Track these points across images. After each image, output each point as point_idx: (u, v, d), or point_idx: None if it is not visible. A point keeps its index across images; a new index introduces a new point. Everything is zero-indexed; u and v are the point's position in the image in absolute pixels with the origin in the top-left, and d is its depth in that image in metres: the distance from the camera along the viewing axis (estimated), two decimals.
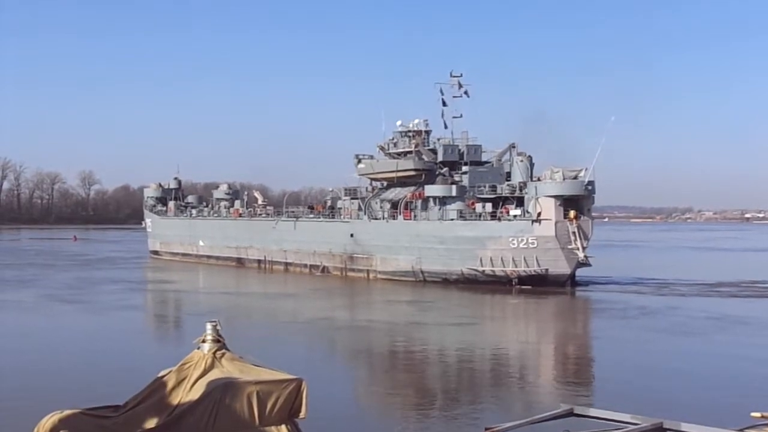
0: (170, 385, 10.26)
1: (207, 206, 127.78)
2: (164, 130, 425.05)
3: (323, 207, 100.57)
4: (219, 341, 10.52)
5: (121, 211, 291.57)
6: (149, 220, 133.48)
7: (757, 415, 10.11)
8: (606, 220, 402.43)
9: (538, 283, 72.92)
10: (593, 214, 78.44)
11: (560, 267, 73.51)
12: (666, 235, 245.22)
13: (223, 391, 10.00)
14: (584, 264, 74.23)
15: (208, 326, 10.49)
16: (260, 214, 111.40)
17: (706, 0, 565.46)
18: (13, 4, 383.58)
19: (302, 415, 10.41)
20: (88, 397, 22.49)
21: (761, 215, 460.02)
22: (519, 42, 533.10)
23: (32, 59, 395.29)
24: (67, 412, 9.71)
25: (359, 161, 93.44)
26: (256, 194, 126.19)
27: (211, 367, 10.31)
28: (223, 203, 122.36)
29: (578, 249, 72.63)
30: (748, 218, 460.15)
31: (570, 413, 11.33)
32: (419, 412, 29.05)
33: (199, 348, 10.44)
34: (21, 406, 26.11)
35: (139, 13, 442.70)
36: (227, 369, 10.31)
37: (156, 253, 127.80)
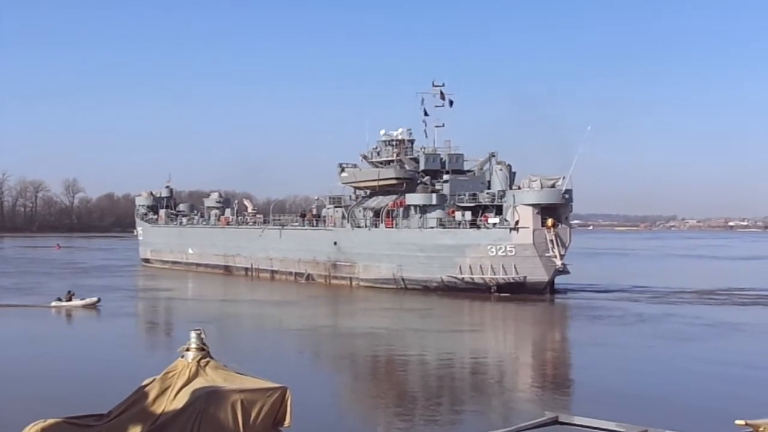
0: (154, 394, 9.94)
1: (198, 214, 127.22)
2: (148, 138, 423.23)
3: (313, 215, 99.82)
4: (203, 349, 10.18)
5: (105, 219, 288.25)
6: (140, 229, 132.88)
7: (741, 422, 9.79)
8: (591, 228, 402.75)
9: (516, 291, 72.62)
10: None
11: (538, 274, 73.27)
12: (651, 243, 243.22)
13: (206, 399, 9.68)
14: (562, 272, 73.96)
15: (192, 334, 10.15)
16: (251, 222, 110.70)
17: (689, 10, 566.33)
18: (2, 11, 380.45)
19: (287, 423, 10.09)
20: (76, 405, 21.96)
21: (744, 223, 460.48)
22: (506, 50, 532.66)
23: (17, 67, 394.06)
24: (50, 421, 9.38)
25: (343, 170, 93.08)
26: (246, 203, 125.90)
27: (195, 375, 9.98)
28: (213, 211, 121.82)
29: (556, 257, 72.39)
30: (731, 226, 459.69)
31: (555, 421, 10.98)
32: (404, 420, 28.54)
33: (183, 356, 10.11)
34: (7, 415, 25.60)
35: (122, 22, 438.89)
36: (211, 377, 9.99)
37: (147, 261, 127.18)
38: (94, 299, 63.63)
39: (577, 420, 10.84)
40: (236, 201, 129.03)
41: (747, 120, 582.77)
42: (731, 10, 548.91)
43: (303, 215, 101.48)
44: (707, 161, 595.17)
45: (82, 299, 63.32)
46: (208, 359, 10.02)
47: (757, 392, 32.45)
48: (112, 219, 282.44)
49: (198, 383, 9.74)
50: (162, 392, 9.78)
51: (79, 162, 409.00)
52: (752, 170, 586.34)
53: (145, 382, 9.95)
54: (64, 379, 34.62)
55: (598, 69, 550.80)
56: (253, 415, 9.71)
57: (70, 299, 63.10)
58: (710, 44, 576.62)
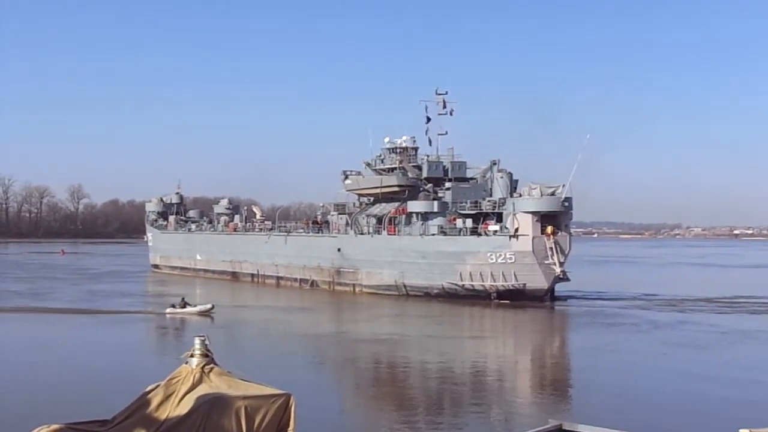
0: (158, 400, 9.74)
1: (207, 221, 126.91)
2: (153, 145, 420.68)
3: (322, 222, 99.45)
4: (207, 356, 9.98)
5: (109, 225, 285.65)
6: (150, 234, 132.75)
7: (746, 431, 9.58)
8: (595, 236, 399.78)
9: (516, 298, 72.19)
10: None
11: (537, 282, 72.89)
12: (657, 251, 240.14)
13: (210, 406, 9.48)
14: (562, 279, 73.49)
15: (197, 341, 9.97)
16: (260, 229, 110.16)
17: (695, 18, 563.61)
18: (7, 17, 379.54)
19: (290, 430, 9.87)
20: (80, 410, 21.77)
21: (750, 231, 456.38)
22: (510, 57, 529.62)
23: (23, 73, 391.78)
24: (54, 426, 9.19)
25: (346, 177, 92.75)
26: (255, 209, 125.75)
27: (199, 381, 9.77)
28: (223, 218, 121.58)
29: (555, 264, 72.00)
30: (736, 235, 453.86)
31: (559, 429, 10.75)
32: (408, 428, 27.95)
33: (187, 363, 9.91)
34: (11, 420, 25.33)
35: (124, 28, 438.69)
36: (215, 384, 9.78)
37: (156, 266, 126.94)
38: (209, 306, 62.50)
39: (581, 428, 10.62)
40: (245, 208, 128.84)
41: (752, 128, 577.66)
42: (736, 17, 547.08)
43: (315, 222, 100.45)
44: (712, 169, 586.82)
45: (195, 306, 62.37)
46: (212, 365, 9.81)
47: (765, 401, 31.98)
48: (117, 225, 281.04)
49: (202, 390, 9.54)
50: (166, 398, 9.58)
51: (84, 168, 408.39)
52: (757, 178, 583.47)
53: (148, 388, 9.75)
54: (69, 384, 34.23)
55: (602, 76, 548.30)
56: (257, 421, 9.50)
57: (184, 306, 62.00)
58: (715, 52, 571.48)
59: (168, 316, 60.93)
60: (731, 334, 53.76)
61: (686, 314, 65.52)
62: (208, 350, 9.91)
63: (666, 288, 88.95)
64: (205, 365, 9.82)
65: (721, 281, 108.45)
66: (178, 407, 9.49)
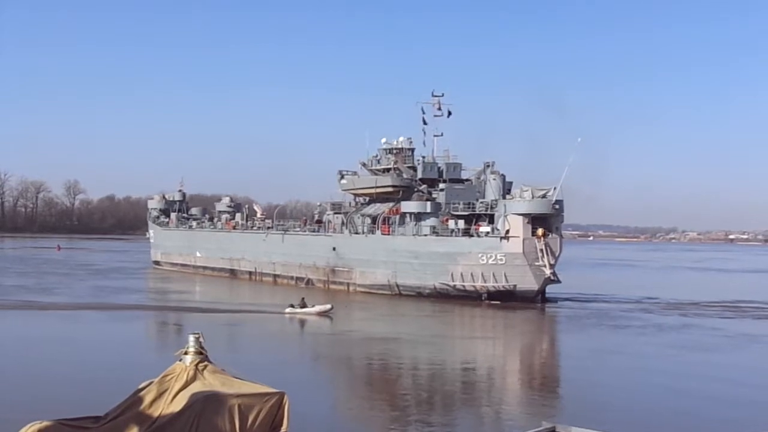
0: (151, 396, 9.54)
1: (208, 218, 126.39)
2: (150, 142, 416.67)
3: (321, 221, 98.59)
4: (201, 353, 9.76)
5: (105, 221, 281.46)
6: (152, 231, 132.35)
7: None
8: (591, 239, 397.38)
9: (506, 299, 71.86)
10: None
11: (528, 283, 72.53)
12: (654, 254, 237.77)
13: (204, 403, 9.28)
14: (553, 281, 73.12)
15: (191, 338, 9.75)
16: (260, 227, 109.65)
17: (692, 23, 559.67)
18: (7, 13, 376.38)
19: (284, 428, 9.72)
20: (74, 406, 21.45)
21: (745, 236, 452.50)
22: (509, 57, 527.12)
23: (19, 69, 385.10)
24: (46, 422, 8.98)
25: (342, 177, 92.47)
26: (256, 208, 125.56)
27: (193, 379, 9.57)
28: (224, 216, 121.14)
29: (545, 266, 71.69)
30: (732, 239, 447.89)
31: (552, 431, 10.52)
32: (401, 429, 27.61)
33: (181, 360, 9.68)
34: (3, 416, 24.96)
35: (119, 27, 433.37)
36: (209, 381, 9.58)
37: (157, 263, 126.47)
38: (328, 306, 61.39)
39: (575, 431, 10.40)
40: (246, 206, 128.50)
41: (748, 133, 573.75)
42: (733, 23, 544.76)
43: (319, 221, 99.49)
44: (708, 174, 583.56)
45: (312, 306, 61.17)
46: (206, 363, 9.63)
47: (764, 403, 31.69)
48: (113, 221, 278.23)
49: (195, 387, 9.36)
50: (159, 395, 9.39)
51: (81, 164, 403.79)
52: (753, 184, 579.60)
53: (142, 385, 9.55)
54: (66, 380, 33.73)
55: (600, 78, 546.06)
56: (251, 419, 9.32)
57: (303, 306, 61.00)
58: (712, 57, 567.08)
59: (287, 316, 60.06)
60: (737, 338, 53.04)
61: (689, 318, 64.43)
62: (202, 347, 9.73)
63: (663, 291, 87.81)
64: (199, 362, 9.66)
65: (720, 285, 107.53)
66: (172, 404, 9.34)
